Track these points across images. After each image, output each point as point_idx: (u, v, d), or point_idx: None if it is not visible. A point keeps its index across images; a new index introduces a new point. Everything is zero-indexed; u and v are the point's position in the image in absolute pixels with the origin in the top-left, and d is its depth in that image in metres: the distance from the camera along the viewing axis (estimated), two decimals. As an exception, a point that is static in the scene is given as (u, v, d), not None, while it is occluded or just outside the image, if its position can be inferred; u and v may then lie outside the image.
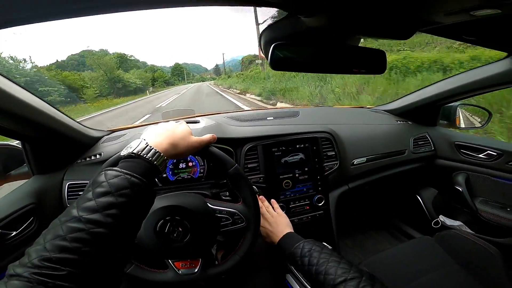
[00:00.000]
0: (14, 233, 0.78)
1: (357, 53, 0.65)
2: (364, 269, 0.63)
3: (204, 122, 1.12)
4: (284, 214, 0.91)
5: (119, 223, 0.40)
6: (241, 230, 0.72)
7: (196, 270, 0.69)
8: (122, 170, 0.44)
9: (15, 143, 0.94)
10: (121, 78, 55.89)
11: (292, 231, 0.83)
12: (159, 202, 0.67)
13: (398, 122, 1.39)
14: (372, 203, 1.68)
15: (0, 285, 0.32)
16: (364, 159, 1.17)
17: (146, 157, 0.49)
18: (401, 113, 1.44)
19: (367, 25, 0.55)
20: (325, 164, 1.10)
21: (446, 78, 1.22)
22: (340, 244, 1.14)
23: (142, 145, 0.51)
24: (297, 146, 1.06)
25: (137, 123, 1.57)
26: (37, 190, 0.88)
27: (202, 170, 1.01)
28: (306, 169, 1.07)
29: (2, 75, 0.66)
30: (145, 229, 0.64)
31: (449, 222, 1.34)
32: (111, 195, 0.41)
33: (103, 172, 0.44)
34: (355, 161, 1.16)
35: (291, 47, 0.58)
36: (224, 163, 0.71)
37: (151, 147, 0.51)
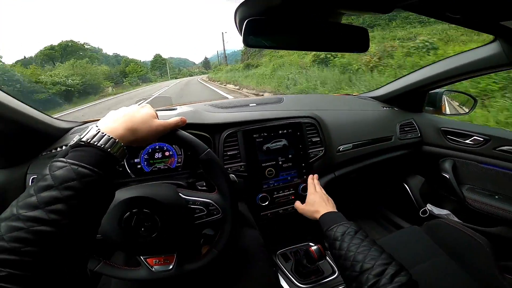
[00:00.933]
0: None
1: (338, 30, 0.62)
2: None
3: (180, 109, 1.05)
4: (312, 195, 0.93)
5: (67, 219, 0.36)
6: (216, 221, 0.66)
7: (171, 267, 0.63)
8: (68, 160, 0.39)
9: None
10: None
11: (335, 210, 0.85)
12: (125, 193, 0.61)
13: (384, 108, 1.37)
14: (359, 191, 1.65)
15: None
16: (350, 145, 1.14)
17: (98, 144, 0.43)
18: (387, 100, 1.41)
19: None
20: (310, 150, 1.05)
21: (432, 64, 1.20)
22: None
23: (93, 132, 0.44)
24: (280, 132, 1.01)
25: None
26: None
27: (180, 160, 0.95)
28: (290, 156, 1.02)
29: None
30: (109, 223, 0.58)
31: (436, 211, 1.33)
32: (55, 189, 0.36)
33: (48, 164, 0.39)
34: (341, 148, 1.12)
35: (267, 23, 0.54)
36: (195, 148, 0.64)
37: (103, 133, 0.45)
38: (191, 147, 0.64)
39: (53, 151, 0.92)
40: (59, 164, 0.39)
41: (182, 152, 0.96)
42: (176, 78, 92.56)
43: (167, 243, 0.62)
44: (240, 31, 0.60)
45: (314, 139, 1.06)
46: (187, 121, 0.64)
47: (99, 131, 0.45)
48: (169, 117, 0.94)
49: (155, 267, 0.63)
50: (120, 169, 0.91)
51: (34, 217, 0.34)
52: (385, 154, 1.26)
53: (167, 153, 0.94)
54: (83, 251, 0.40)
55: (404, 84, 1.30)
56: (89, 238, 0.41)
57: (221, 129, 0.97)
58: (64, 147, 0.91)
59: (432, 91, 1.31)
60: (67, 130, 1.02)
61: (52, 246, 0.34)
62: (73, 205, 0.37)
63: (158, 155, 0.94)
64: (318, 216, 0.83)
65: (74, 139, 0.45)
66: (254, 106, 1.17)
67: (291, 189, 1.04)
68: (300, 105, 1.19)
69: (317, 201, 0.89)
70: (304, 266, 0.93)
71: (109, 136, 0.45)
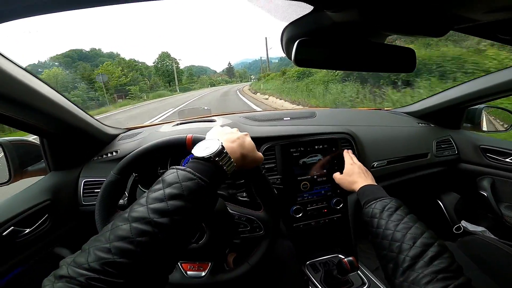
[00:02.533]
0: (28, 230, 0.78)
1: (384, 51, 0.63)
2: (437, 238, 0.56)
3: (220, 121, 1.10)
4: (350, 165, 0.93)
5: (181, 228, 0.39)
6: (257, 237, 0.69)
7: (203, 274, 0.66)
8: (196, 174, 0.42)
9: (32, 138, 0.94)
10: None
11: (375, 183, 0.82)
12: None
13: (420, 124, 1.34)
14: None
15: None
16: (385, 161, 1.13)
17: (221, 164, 0.46)
18: (423, 116, 1.38)
19: (400, 22, 0.52)
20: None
21: (472, 80, 1.17)
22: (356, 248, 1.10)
23: (218, 149, 0.47)
24: (316, 147, 1.03)
25: (147, 123, 1.56)
26: (53, 186, 0.88)
27: None
28: (324, 170, 1.04)
29: (25, 70, 0.66)
30: None
31: (471, 227, 1.30)
32: (183, 199, 0.39)
33: (176, 171, 0.42)
34: (375, 164, 1.11)
35: (315, 44, 0.55)
36: None
37: (227, 154, 0.48)
38: None
39: (104, 156, 0.99)
40: (187, 175, 0.42)
41: None
42: (190, 89, 72.09)
43: (209, 251, 0.64)
44: (285, 50, 0.63)
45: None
46: None
47: (225, 153, 0.47)
48: (209, 129, 1.00)
49: (188, 272, 0.66)
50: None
51: (162, 224, 0.36)
52: (420, 171, 1.24)
53: None
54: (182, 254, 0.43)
55: (441, 100, 1.27)
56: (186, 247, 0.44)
57: (260, 143, 1.00)
58: (114, 153, 0.98)
59: (471, 108, 1.28)
60: (114, 136, 1.09)
61: (164, 253, 0.37)
62: (191, 215, 0.40)
63: None
64: (357, 187, 0.80)
65: (198, 150, 0.48)
66: (289, 120, 1.20)
67: (324, 203, 1.05)
68: (334, 120, 1.20)
69: (356, 172, 0.87)
70: (334, 277, 0.94)
71: (231, 159, 0.48)
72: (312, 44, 0.55)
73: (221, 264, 0.69)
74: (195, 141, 0.66)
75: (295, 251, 0.91)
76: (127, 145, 1.02)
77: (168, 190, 0.39)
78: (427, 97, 1.39)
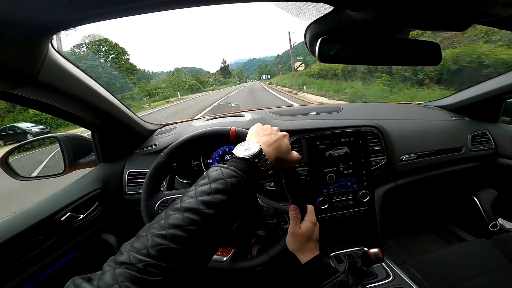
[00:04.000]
0: (82, 216, 0.88)
1: (408, 45, 0.64)
2: None
3: (249, 116, 1.15)
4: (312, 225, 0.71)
5: (224, 218, 0.44)
6: (282, 230, 0.72)
7: (225, 259, 0.70)
8: (238, 172, 0.47)
9: (85, 134, 1.06)
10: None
11: (318, 252, 0.69)
12: None
13: (454, 118, 1.29)
14: (421, 202, 1.58)
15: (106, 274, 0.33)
16: (415, 155, 1.11)
17: (259, 164, 0.51)
18: (457, 109, 1.33)
19: (421, 18, 0.54)
20: (372, 159, 1.06)
21: (510, 71, 1.11)
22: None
23: (257, 151, 0.52)
24: (342, 140, 1.05)
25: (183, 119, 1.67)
26: (102, 176, 0.99)
27: None
28: (351, 163, 1.05)
29: (83, 71, 0.75)
30: None
31: (508, 225, 1.24)
32: (227, 194, 0.43)
33: (220, 169, 0.47)
34: (404, 157, 1.10)
35: (338, 41, 0.58)
36: None
37: (265, 156, 0.53)
38: None
39: (145, 149, 1.09)
40: (231, 173, 0.46)
41: None
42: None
43: (236, 238, 0.69)
44: (309, 47, 0.66)
45: (376, 148, 1.07)
46: None
47: (263, 155, 0.53)
48: (241, 123, 1.04)
49: None
50: (196, 168, 1.04)
51: (209, 215, 0.41)
52: (453, 165, 1.20)
53: None
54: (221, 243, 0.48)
55: (477, 93, 1.22)
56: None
57: None
58: (153, 146, 1.08)
59: (510, 100, 1.22)
60: (153, 131, 1.20)
61: (205, 242, 0.41)
62: (233, 207, 0.45)
63: (227, 157, 1.05)
64: (308, 257, 0.66)
65: (240, 150, 0.53)
66: (314, 114, 1.22)
67: (350, 195, 1.07)
68: (361, 114, 1.20)
69: (314, 238, 0.70)
70: (358, 268, 0.94)
71: (267, 161, 0.53)
72: (335, 41, 0.58)
73: (243, 252, 0.73)
74: (238, 133, 0.72)
75: (319, 242, 0.92)
76: (165, 139, 1.11)
77: (214, 185, 0.44)
78: (461, 90, 1.33)
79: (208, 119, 1.22)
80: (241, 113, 1.24)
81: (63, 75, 0.67)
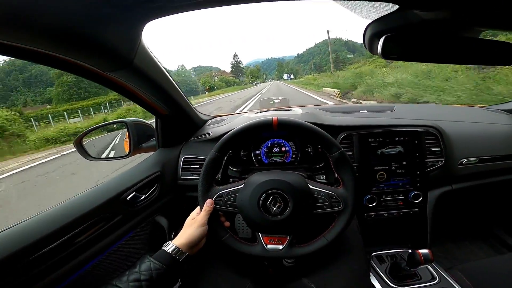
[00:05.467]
0: (143, 196, 0.95)
1: (479, 45, 0.61)
2: None
3: (299, 110, 1.16)
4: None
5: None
6: (332, 214, 0.73)
7: (281, 247, 0.72)
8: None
9: (149, 122, 1.14)
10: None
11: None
12: (264, 176, 0.73)
13: None
14: (474, 208, 1.50)
15: None
16: (476, 159, 1.05)
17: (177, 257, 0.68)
18: None
19: (495, 17, 0.51)
20: (428, 160, 1.03)
21: None
22: None
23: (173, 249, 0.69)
24: (396, 138, 1.02)
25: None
26: (161, 160, 1.07)
27: (294, 156, 1.07)
28: (404, 163, 1.02)
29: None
30: (251, 200, 0.71)
31: None
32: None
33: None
34: (464, 161, 1.05)
35: (403, 39, 0.57)
36: (330, 146, 0.74)
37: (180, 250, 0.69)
38: (328, 143, 0.74)
39: (199, 137, 1.16)
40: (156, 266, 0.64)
41: (298, 149, 1.07)
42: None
43: (290, 224, 0.71)
44: (368, 45, 0.66)
45: (433, 149, 1.03)
46: (309, 120, 0.76)
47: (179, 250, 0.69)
48: (294, 116, 1.06)
49: (268, 245, 0.73)
50: (245, 158, 1.09)
51: None
52: None
53: (283, 149, 1.07)
54: None
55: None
56: None
57: (337, 131, 1.04)
58: (207, 135, 1.14)
59: None
60: (205, 121, 1.26)
61: None
62: None
63: (275, 149, 1.08)
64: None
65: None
66: (365, 112, 1.20)
67: (401, 195, 1.05)
68: (416, 114, 1.14)
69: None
70: (402, 269, 0.94)
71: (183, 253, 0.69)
72: (400, 39, 0.57)
73: (298, 239, 0.75)
74: (281, 122, 0.75)
75: (362, 238, 0.92)
76: (218, 129, 1.17)
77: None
78: None
79: (258, 112, 1.25)
80: (290, 108, 1.26)
81: (150, 63, 0.73)
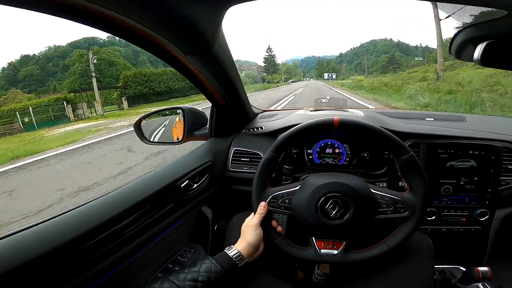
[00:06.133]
0: (195, 185, 0.96)
1: None
2: None
3: (360, 112, 1.11)
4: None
5: None
6: (392, 220, 0.68)
7: (336, 252, 0.68)
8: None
9: (201, 109, 1.15)
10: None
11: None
12: (322, 179, 0.69)
13: None
14: None
15: None
16: None
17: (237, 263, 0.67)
18: None
19: None
20: (502, 177, 0.93)
21: None
22: None
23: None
24: (470, 152, 0.93)
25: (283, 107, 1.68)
26: (213, 150, 1.07)
27: (347, 159, 1.02)
28: (475, 178, 0.94)
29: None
30: (308, 203, 0.67)
31: None
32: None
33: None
34: None
35: (507, 47, 0.53)
36: (399, 148, 0.69)
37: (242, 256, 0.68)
38: (396, 146, 0.70)
39: (250, 130, 1.15)
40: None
41: (352, 153, 1.01)
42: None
43: (350, 229, 0.67)
44: (456, 50, 0.62)
45: (510, 167, 0.93)
46: (374, 124, 0.71)
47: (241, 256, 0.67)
48: (357, 117, 1.00)
49: (322, 250, 0.69)
50: (295, 156, 1.05)
51: None
52: None
53: (337, 150, 1.02)
54: None
55: None
56: None
57: (403, 138, 0.96)
58: (259, 129, 1.12)
59: None
60: (256, 115, 1.25)
61: None
62: None
63: (328, 150, 1.03)
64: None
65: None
66: (432, 120, 1.11)
67: (465, 211, 0.97)
68: (491, 127, 1.03)
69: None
70: (452, 285, 0.89)
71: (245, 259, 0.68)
72: (503, 46, 0.53)
73: (355, 244, 0.71)
74: (342, 122, 0.71)
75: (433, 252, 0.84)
76: (271, 123, 1.14)
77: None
78: None
79: (313, 110, 1.21)
80: (347, 109, 1.20)
81: (226, 52, 0.72)
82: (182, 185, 0.90)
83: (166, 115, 1.25)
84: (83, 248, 0.61)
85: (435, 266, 1.04)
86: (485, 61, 0.54)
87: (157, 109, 1.15)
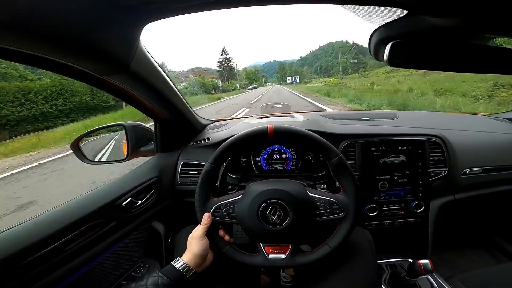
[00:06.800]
0: (140, 202, 0.93)
1: (489, 53, 0.59)
2: None
3: (300, 117, 1.15)
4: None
5: None
6: (334, 221, 0.71)
7: (283, 257, 0.70)
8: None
9: (148, 125, 1.13)
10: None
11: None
12: (262, 186, 0.71)
13: None
14: (475, 217, 1.49)
15: None
16: (480, 169, 1.04)
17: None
18: None
19: (509, 24, 0.50)
20: (431, 169, 1.01)
21: None
22: None
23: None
24: (399, 147, 1.01)
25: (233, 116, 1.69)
26: (159, 165, 1.05)
27: (294, 163, 1.05)
28: (406, 172, 1.01)
29: (159, 65, 0.79)
30: (249, 210, 0.69)
31: None
32: None
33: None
34: (468, 171, 1.03)
35: (410, 46, 0.56)
36: (329, 152, 0.73)
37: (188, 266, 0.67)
38: (326, 150, 0.73)
39: (198, 142, 1.14)
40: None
41: (298, 157, 1.05)
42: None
43: (291, 233, 0.69)
44: (373, 51, 0.64)
45: (437, 158, 1.02)
46: (310, 128, 0.73)
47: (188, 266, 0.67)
48: (296, 123, 1.04)
49: (270, 255, 0.71)
50: (244, 165, 1.07)
51: None
52: None
53: (284, 156, 1.05)
54: None
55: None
56: None
57: (339, 139, 1.02)
58: (207, 140, 1.12)
59: None
60: (205, 126, 1.25)
61: None
62: None
63: (276, 156, 1.06)
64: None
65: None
66: (368, 120, 1.18)
67: (402, 205, 1.03)
68: (419, 123, 1.13)
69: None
70: (401, 279, 0.93)
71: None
72: (407, 46, 0.56)
73: (300, 248, 0.74)
74: (276, 130, 0.74)
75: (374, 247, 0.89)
76: (218, 134, 1.15)
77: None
78: None
79: (259, 118, 1.23)
80: (292, 114, 1.24)
81: (149, 67, 0.72)
82: (124, 203, 0.88)
83: (111, 131, 1.19)
84: (19, 267, 0.60)
85: (386, 261, 1.11)
86: (392, 61, 0.56)
87: (96, 127, 1.09)
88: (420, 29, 0.54)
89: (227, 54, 79.52)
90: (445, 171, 1.01)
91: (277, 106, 1.48)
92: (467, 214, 1.42)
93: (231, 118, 1.38)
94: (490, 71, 0.66)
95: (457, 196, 1.07)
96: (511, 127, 1.21)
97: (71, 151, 1.05)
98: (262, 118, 1.23)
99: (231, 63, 79.53)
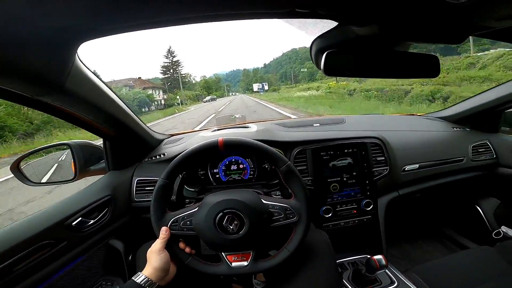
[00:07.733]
0: (92, 221, 0.90)
1: (408, 59, 0.66)
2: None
3: (254, 127, 1.18)
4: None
5: None
6: (290, 226, 0.74)
7: (246, 264, 0.71)
8: None
9: (98, 143, 1.09)
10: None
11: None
12: (217, 197, 0.73)
13: (455, 129, 1.33)
14: (423, 211, 1.61)
15: None
16: (417, 165, 1.14)
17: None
18: (458, 120, 1.37)
19: (419, 32, 0.56)
20: (374, 169, 1.09)
21: (509, 81, 1.15)
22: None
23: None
24: (345, 151, 1.08)
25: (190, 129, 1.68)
26: (112, 183, 1.01)
27: (252, 172, 1.07)
28: (354, 173, 1.07)
29: (103, 82, 0.78)
30: (206, 221, 0.69)
31: (512, 232, 1.25)
32: None
33: None
34: (407, 168, 1.13)
35: (342, 55, 0.61)
36: (277, 160, 0.75)
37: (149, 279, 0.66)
38: (274, 159, 0.76)
39: (153, 158, 1.12)
40: None
41: (255, 166, 1.07)
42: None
43: (249, 241, 0.70)
44: (314, 61, 0.69)
45: (379, 158, 1.10)
46: (262, 138, 0.75)
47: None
48: (248, 134, 1.07)
49: (233, 263, 0.72)
50: (202, 177, 1.07)
51: None
52: (455, 175, 1.23)
53: (241, 166, 1.07)
54: None
55: (477, 104, 1.25)
56: None
57: (292, 146, 1.07)
58: (162, 155, 1.11)
59: (508, 110, 1.24)
60: (161, 141, 1.23)
61: None
62: None
63: (233, 167, 1.07)
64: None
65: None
66: (318, 126, 1.25)
67: (354, 204, 1.09)
68: (364, 126, 1.23)
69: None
70: (363, 275, 0.97)
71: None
72: (339, 54, 0.60)
73: (262, 253, 0.75)
74: (226, 143, 0.76)
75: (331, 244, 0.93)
76: (173, 149, 1.14)
77: None
78: (463, 100, 1.37)
79: (215, 130, 1.24)
80: (247, 124, 1.27)
81: (87, 84, 0.70)
82: (74, 223, 0.84)
83: (55, 151, 1.13)
84: None
85: (348, 259, 1.14)
86: (327, 70, 0.60)
87: (37, 148, 1.03)
88: (350, 39, 0.58)
89: (174, 56, 58.02)
90: (387, 169, 1.10)
91: (237, 116, 1.51)
92: (414, 208, 1.54)
93: (187, 131, 1.37)
94: (411, 76, 0.73)
95: (400, 192, 1.16)
96: (441, 125, 1.35)
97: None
98: (218, 130, 1.24)
99: (180, 68, 58.28)
